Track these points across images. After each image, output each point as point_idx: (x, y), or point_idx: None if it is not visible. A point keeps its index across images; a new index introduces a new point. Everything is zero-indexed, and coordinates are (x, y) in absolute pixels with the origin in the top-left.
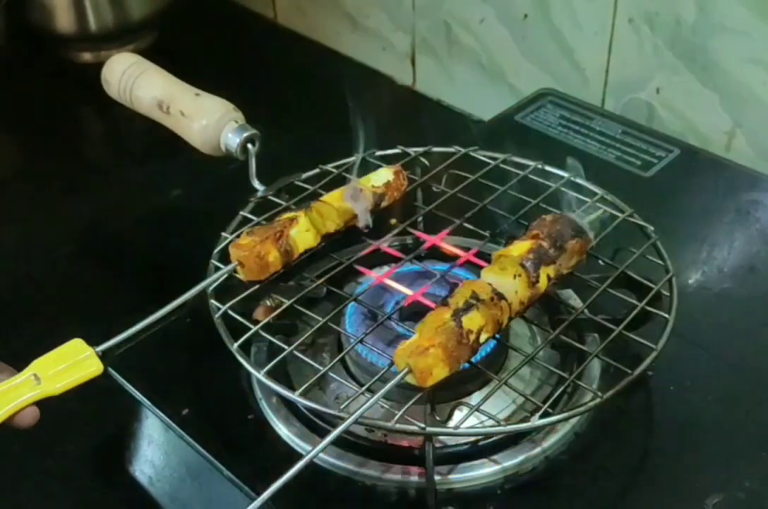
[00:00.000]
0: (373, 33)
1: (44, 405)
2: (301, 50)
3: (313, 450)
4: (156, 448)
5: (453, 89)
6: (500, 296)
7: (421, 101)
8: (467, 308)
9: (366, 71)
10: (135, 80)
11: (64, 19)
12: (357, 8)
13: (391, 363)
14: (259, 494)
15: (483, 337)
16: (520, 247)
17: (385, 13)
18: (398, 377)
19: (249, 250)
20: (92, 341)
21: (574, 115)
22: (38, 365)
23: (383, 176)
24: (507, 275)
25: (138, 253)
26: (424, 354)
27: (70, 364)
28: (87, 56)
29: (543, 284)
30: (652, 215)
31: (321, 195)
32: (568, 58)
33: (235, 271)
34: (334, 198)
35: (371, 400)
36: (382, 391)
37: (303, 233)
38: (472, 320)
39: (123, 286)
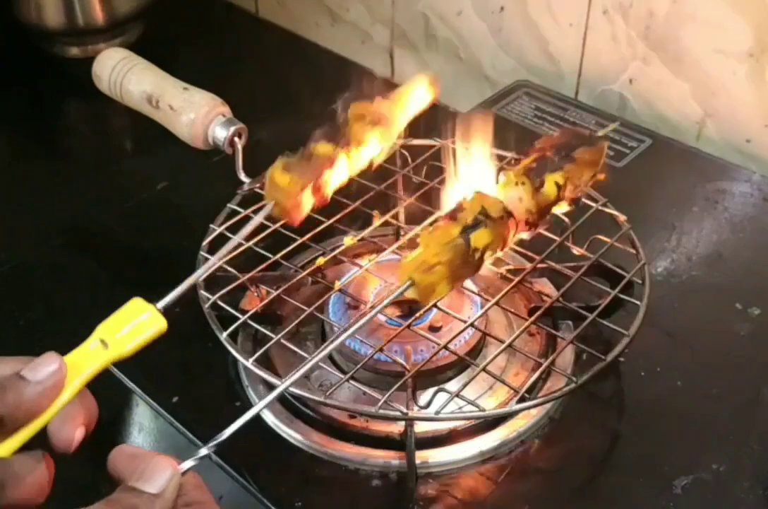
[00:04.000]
0: (352, 26)
1: None
2: (282, 43)
3: (261, 402)
4: (146, 435)
5: None
6: (510, 214)
7: None
8: (476, 225)
9: (345, 64)
10: (125, 75)
11: (52, 14)
12: (337, 2)
13: (374, 352)
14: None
15: (488, 254)
16: (524, 162)
17: (365, 7)
18: (399, 290)
19: (288, 197)
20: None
21: (549, 107)
22: (103, 330)
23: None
24: (510, 185)
25: (127, 244)
26: (429, 272)
27: (134, 325)
28: (74, 50)
29: (550, 190)
30: (625, 204)
31: None
32: (543, 51)
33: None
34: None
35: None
36: (380, 307)
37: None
38: (480, 238)
39: (112, 277)
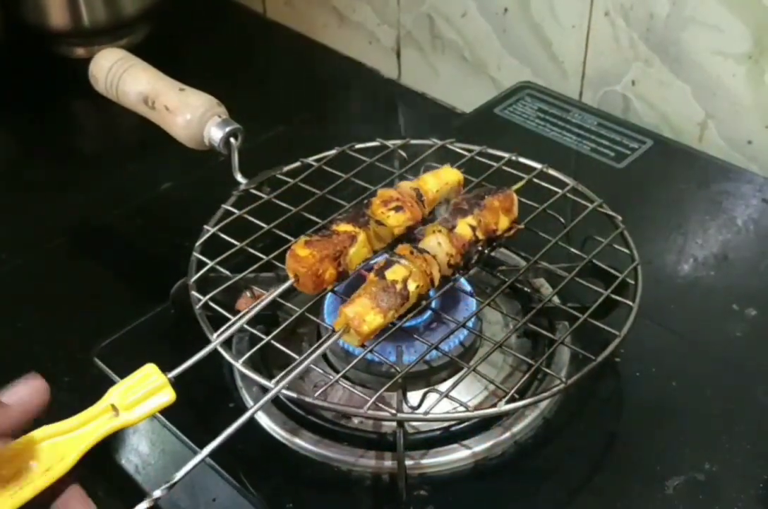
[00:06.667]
0: (359, 27)
1: None
2: (290, 44)
3: (254, 406)
4: (141, 437)
5: (437, 82)
6: (420, 251)
7: (406, 94)
8: (388, 265)
9: (353, 64)
10: (121, 76)
11: (57, 15)
12: (344, 3)
13: (364, 353)
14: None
15: (412, 285)
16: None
17: (371, 8)
18: (337, 334)
19: (307, 267)
20: (97, 337)
21: (552, 108)
22: (114, 394)
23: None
24: (429, 235)
25: (127, 245)
26: (352, 303)
27: (144, 393)
28: (80, 51)
29: (464, 231)
30: (624, 205)
31: (301, 188)
32: (546, 52)
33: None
34: (395, 220)
35: (311, 357)
36: (323, 348)
37: (360, 250)
38: (395, 273)
39: (113, 278)
